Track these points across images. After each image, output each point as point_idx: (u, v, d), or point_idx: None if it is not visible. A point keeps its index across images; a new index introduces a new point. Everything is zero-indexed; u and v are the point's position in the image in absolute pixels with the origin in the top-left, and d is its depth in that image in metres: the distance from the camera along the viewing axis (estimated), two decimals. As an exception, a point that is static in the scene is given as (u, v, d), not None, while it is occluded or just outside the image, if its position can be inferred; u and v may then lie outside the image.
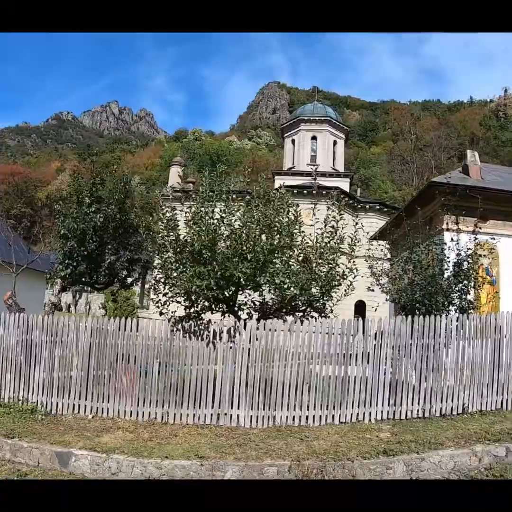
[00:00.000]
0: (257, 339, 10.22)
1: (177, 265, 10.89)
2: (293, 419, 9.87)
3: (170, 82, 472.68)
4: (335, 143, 43.22)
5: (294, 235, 11.70)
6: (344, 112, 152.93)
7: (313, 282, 11.33)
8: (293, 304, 11.86)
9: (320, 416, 9.93)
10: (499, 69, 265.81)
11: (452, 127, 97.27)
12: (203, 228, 10.51)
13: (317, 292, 11.68)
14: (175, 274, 10.93)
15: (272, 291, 11.48)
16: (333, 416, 9.95)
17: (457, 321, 10.79)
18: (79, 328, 10.82)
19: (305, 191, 35.83)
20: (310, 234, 12.70)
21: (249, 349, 10.16)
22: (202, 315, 11.81)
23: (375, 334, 10.56)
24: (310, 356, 10.18)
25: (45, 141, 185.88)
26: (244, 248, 10.37)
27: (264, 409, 9.89)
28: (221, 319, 11.47)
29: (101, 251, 15.10)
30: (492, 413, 10.23)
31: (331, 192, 34.90)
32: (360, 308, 34.55)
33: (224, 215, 11.15)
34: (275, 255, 10.82)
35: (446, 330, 10.60)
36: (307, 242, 11.82)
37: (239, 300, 12.13)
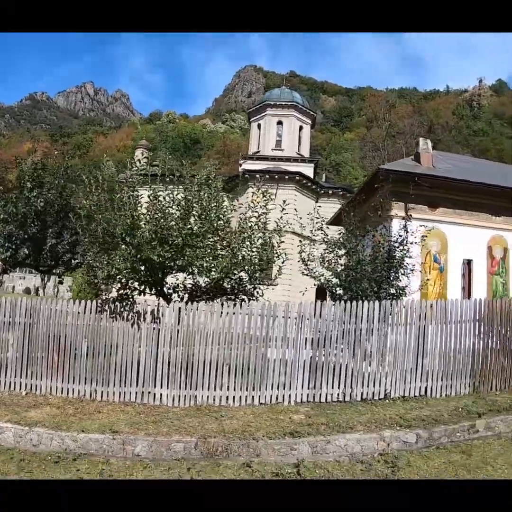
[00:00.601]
0: (179, 321, 10.38)
1: (95, 249, 11.21)
2: (214, 399, 10.06)
3: (148, 63, 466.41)
4: (301, 128, 43.12)
5: (221, 220, 11.77)
6: (320, 97, 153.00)
7: (238, 267, 11.52)
8: (221, 287, 12.02)
9: (240, 397, 10.10)
10: (481, 59, 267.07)
11: (425, 115, 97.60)
12: (126, 213, 10.67)
13: (245, 276, 11.83)
14: (92, 258, 11.35)
15: (203, 275, 11.62)
16: (252, 397, 10.11)
17: (380, 307, 10.83)
18: (14, 309, 10.89)
19: (267, 176, 35.85)
20: (267, 219, 13.06)
21: (172, 330, 10.35)
22: (136, 297, 12.16)
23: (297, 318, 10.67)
24: (230, 337, 10.34)
25: (19, 122, 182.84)
26: (164, 232, 10.50)
27: (185, 389, 10.09)
28: (157, 301, 11.62)
29: (43, 235, 15.14)
30: (415, 399, 10.36)
31: (295, 177, 35.16)
32: (323, 292, 34.76)
33: (148, 199, 11.21)
34: (195, 240, 10.85)
35: (368, 315, 10.69)
36: (231, 228, 11.87)
37: (173, 283, 12.32)
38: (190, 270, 11.32)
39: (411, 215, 18.23)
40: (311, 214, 14.54)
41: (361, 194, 20.89)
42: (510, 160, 76.66)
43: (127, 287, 11.96)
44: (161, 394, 10.14)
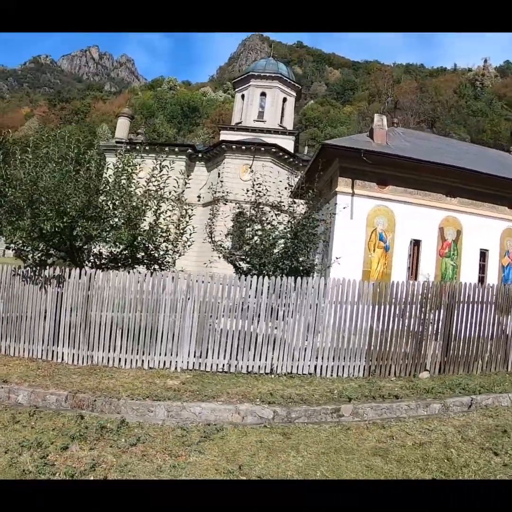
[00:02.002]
0: (79, 286, 10.99)
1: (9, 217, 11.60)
2: (108, 360, 10.68)
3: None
4: (284, 100, 42.77)
5: (123, 195, 12.14)
6: (325, 69, 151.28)
7: (144, 238, 12.17)
8: (133, 257, 12.74)
9: (131, 360, 10.67)
10: (495, 39, 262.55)
11: (426, 92, 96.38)
12: (27, 186, 11.18)
13: (152, 246, 12.54)
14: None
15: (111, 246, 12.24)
16: (142, 361, 10.68)
17: (268, 283, 10.91)
18: None
19: (243, 147, 35.62)
20: (245, 190, 14.35)
21: (73, 294, 11.01)
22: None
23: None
24: (123, 303, 10.87)
25: (22, 85, 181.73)
26: (61, 204, 10.98)
27: (83, 349, 10.77)
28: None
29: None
30: (301, 377, 10.47)
31: (271, 149, 34.86)
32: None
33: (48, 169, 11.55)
34: (91, 212, 11.41)
35: (257, 291, 10.84)
36: (132, 203, 12.16)
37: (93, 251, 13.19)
38: (98, 240, 11.87)
39: (355, 192, 18.33)
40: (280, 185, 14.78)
41: (314, 168, 20.70)
42: (506, 141, 76.34)
43: (47, 253, 12.64)
44: (62, 353, 10.84)
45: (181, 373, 10.33)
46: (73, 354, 10.77)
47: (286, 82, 42.50)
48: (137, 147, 38.66)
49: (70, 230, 11.22)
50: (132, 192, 12.38)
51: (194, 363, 10.66)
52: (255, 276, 11.12)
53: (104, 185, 12.07)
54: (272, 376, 10.45)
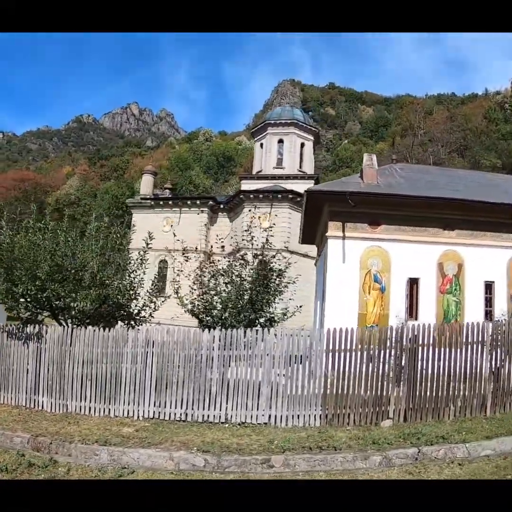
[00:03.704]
0: (55, 342, 12.20)
1: None
2: (80, 409, 11.75)
3: (191, 80, 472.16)
4: (302, 145, 43.56)
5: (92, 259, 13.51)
6: (358, 108, 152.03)
7: (115, 296, 13.63)
8: (106, 313, 14.07)
9: (99, 408, 11.70)
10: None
11: (455, 121, 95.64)
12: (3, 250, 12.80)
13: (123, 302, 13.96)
14: None
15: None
16: (109, 409, 11.64)
17: (218, 335, 11.51)
18: None
19: (260, 196, 36.37)
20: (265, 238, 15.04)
21: (49, 349, 12.27)
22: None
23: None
24: (91, 356, 11.93)
25: (66, 144, 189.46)
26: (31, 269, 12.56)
27: (59, 398, 11.97)
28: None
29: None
30: (255, 427, 10.72)
31: (288, 195, 35.43)
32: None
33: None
34: (58, 275, 12.89)
35: (208, 343, 11.51)
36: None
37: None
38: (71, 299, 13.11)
39: (345, 235, 18.54)
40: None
41: (310, 214, 21.08)
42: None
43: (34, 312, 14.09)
44: (42, 401, 12.14)
45: (141, 422, 11.07)
46: (51, 402, 12.01)
47: (302, 127, 43.38)
48: (161, 203, 39.89)
49: (41, 292, 12.63)
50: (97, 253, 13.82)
51: (154, 412, 11.35)
52: (207, 329, 11.83)
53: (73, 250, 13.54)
54: (226, 425, 10.78)
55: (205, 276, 15.13)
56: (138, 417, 11.30)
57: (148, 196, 44.00)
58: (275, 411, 10.93)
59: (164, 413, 11.26)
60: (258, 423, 10.83)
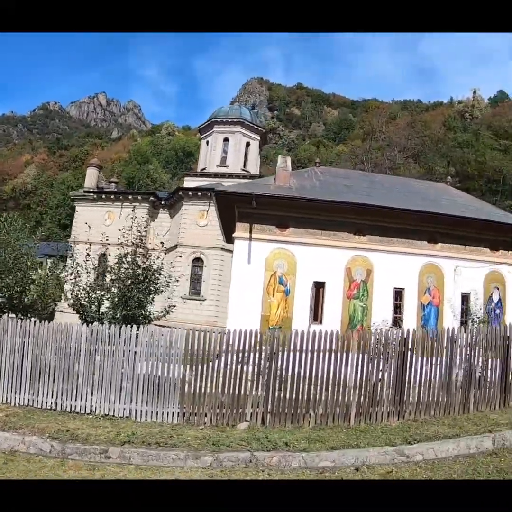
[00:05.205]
0: None
1: None
2: None
3: (162, 74, 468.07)
4: (248, 144, 43.63)
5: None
6: (323, 109, 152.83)
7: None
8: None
9: None
10: (494, 69, 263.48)
11: (415, 127, 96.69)
12: None
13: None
14: None
15: None
16: None
17: (86, 330, 11.77)
18: None
19: (199, 193, 36.28)
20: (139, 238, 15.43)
21: None
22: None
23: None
24: None
25: (31, 131, 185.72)
26: None
27: None
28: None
29: None
30: (116, 419, 11.07)
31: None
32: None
33: None
34: None
35: (77, 337, 11.71)
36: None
37: None
38: None
39: (251, 237, 18.56)
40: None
41: (222, 215, 21.05)
42: (490, 172, 76.23)
43: None
44: None
45: (16, 408, 11.42)
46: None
47: (249, 126, 43.39)
48: (104, 196, 39.63)
49: None
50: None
51: (29, 399, 11.67)
52: (82, 324, 12.33)
53: None
54: (91, 416, 11.12)
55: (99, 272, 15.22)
56: (15, 404, 11.59)
57: (91, 189, 43.56)
58: (135, 406, 11.24)
59: (38, 401, 11.58)
60: (120, 416, 11.19)
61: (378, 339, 11.58)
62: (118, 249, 15.00)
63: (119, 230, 15.47)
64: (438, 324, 18.90)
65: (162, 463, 8.64)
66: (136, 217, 15.17)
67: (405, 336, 11.63)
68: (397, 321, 19.21)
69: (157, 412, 11.14)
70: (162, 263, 15.36)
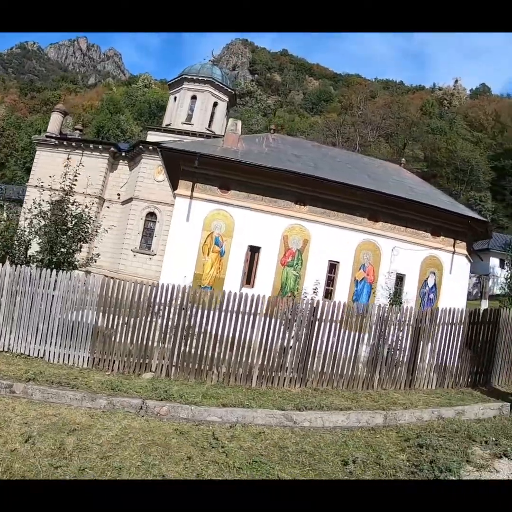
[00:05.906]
0: None
1: None
2: None
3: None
4: (215, 104, 43.12)
5: None
6: (305, 79, 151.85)
7: None
8: None
9: None
10: (483, 64, 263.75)
11: (392, 108, 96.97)
12: None
13: None
14: None
15: None
16: None
17: (9, 271, 11.91)
18: None
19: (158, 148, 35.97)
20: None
21: None
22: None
23: None
24: None
25: (6, 70, 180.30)
26: None
27: None
28: None
29: None
30: (30, 359, 11.48)
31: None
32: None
33: None
34: None
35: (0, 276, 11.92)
36: None
37: None
38: None
39: (192, 195, 18.70)
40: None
41: (169, 171, 21.12)
42: (459, 162, 77.35)
43: None
44: None
45: None
46: None
47: (218, 86, 42.81)
48: (65, 143, 39.14)
49: None
50: None
51: None
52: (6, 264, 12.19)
53: None
54: (7, 354, 11.52)
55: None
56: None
57: (53, 135, 42.81)
58: (50, 347, 11.63)
59: None
60: (34, 356, 11.56)
61: (288, 306, 11.88)
62: (50, 195, 15.07)
63: (60, 176, 15.47)
64: (370, 301, 19.23)
65: (59, 401, 9.00)
66: (70, 165, 15.09)
67: (315, 306, 12.00)
68: (328, 293, 19.55)
69: (69, 355, 11.55)
70: (89, 213, 15.45)
